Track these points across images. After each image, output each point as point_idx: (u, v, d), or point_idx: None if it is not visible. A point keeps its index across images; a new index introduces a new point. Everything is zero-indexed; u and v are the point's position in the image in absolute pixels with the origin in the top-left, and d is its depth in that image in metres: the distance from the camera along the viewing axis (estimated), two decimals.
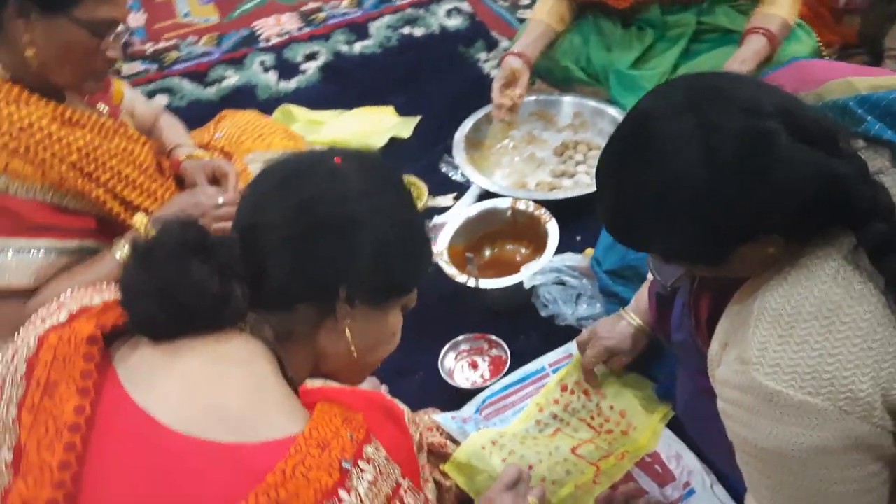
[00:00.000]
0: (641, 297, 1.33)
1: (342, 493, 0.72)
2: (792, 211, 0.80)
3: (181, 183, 1.48)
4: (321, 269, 0.82)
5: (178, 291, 0.78)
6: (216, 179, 1.46)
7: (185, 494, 0.71)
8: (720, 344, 0.89)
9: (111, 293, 0.87)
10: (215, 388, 0.77)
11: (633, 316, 1.34)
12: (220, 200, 1.37)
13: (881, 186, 0.81)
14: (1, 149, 1.20)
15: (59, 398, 0.75)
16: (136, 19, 3.08)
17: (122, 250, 1.27)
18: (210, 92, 2.56)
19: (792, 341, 0.80)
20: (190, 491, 0.71)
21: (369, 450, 0.78)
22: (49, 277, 1.24)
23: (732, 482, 1.23)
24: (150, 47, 2.88)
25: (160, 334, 0.79)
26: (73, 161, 1.26)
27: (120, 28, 1.23)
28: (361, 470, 0.75)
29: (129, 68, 2.76)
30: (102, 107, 1.45)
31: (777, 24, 1.77)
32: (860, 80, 0.95)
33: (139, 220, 1.30)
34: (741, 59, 1.75)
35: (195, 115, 2.12)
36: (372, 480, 0.75)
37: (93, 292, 0.88)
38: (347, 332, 0.84)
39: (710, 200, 0.81)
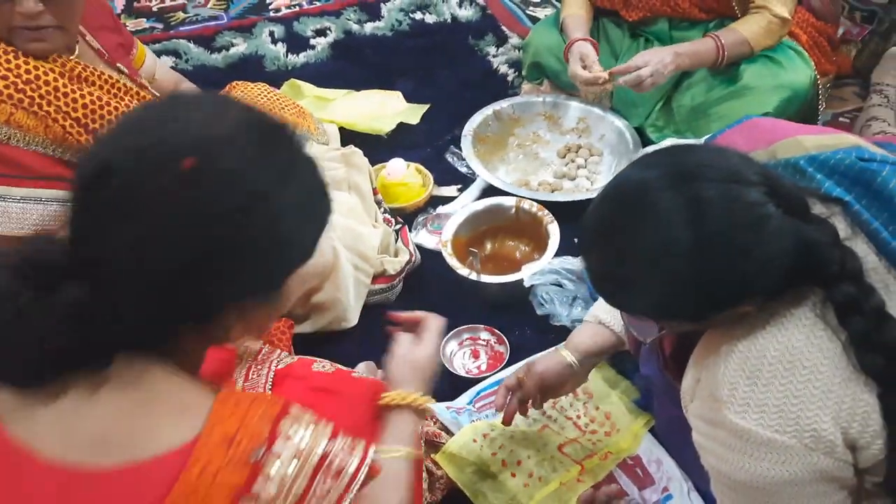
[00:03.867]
0: (576, 334, 1.32)
1: (258, 485, 0.68)
2: (774, 279, 0.85)
3: None
4: (193, 300, 0.71)
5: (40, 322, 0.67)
6: None
7: None
8: (693, 379, 0.94)
9: None
10: (92, 414, 0.70)
11: (564, 351, 1.30)
12: None
13: (850, 251, 0.87)
14: (6, 99, 1.22)
15: None
16: None
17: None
18: (217, 58, 2.54)
19: (759, 383, 0.86)
20: None
21: (286, 424, 0.71)
22: (52, 228, 1.26)
23: (710, 497, 1.30)
24: (155, 4, 2.85)
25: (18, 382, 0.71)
26: (78, 117, 1.28)
27: None
28: (278, 454, 0.69)
29: (133, 24, 2.74)
30: (122, 66, 1.47)
31: (733, 38, 1.81)
32: (807, 139, 1.00)
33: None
34: (678, 51, 1.80)
35: (201, 80, 2.11)
36: (294, 454, 0.70)
37: None
38: (236, 325, 0.76)
39: (700, 272, 0.83)
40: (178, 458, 0.67)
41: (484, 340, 1.62)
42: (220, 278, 0.70)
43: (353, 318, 1.62)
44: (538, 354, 1.39)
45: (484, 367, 1.58)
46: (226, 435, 0.69)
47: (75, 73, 1.31)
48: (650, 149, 1.55)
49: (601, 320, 1.29)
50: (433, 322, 1.15)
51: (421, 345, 1.12)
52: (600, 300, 1.32)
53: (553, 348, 1.34)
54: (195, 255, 0.68)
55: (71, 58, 1.32)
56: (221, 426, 0.69)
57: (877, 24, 2.23)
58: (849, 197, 0.92)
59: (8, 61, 1.25)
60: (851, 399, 0.85)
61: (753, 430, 0.86)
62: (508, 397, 1.32)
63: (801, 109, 1.87)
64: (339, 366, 1.29)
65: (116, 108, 1.35)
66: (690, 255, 0.83)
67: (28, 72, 1.25)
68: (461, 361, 1.59)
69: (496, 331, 1.61)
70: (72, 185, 0.71)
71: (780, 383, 0.86)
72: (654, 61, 1.77)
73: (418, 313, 1.17)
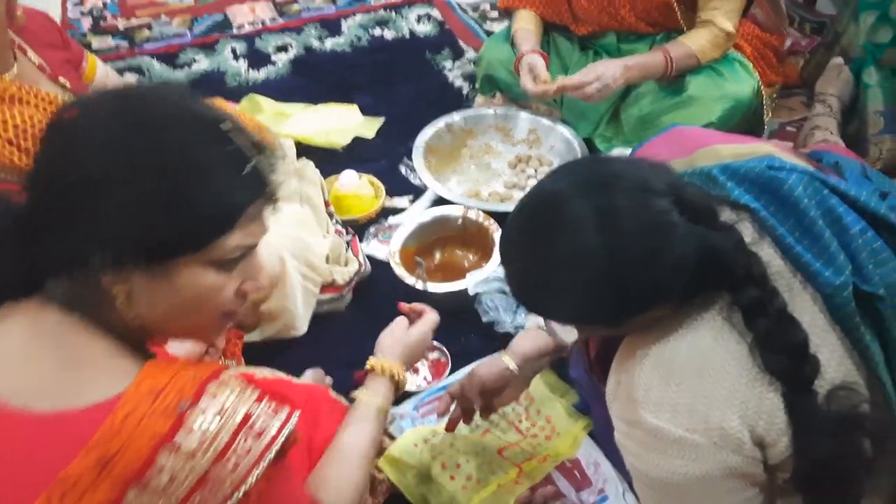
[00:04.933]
0: (516, 340, 1.35)
1: (180, 435, 0.70)
2: (683, 284, 0.87)
3: None
4: (59, 237, 0.75)
5: None
6: None
7: (9, 468, 0.69)
8: (615, 381, 0.97)
9: None
10: (31, 362, 0.75)
11: (506, 357, 1.32)
12: None
13: (754, 256, 0.90)
14: None
15: None
16: None
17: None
18: (179, 75, 2.57)
19: (672, 384, 0.89)
20: (13, 461, 0.70)
21: (214, 385, 0.74)
22: None
23: None
24: (122, 23, 2.88)
25: None
26: (10, 137, 1.28)
27: None
28: (203, 409, 0.71)
29: (99, 42, 2.77)
30: (64, 81, 1.48)
31: (681, 51, 1.86)
32: (725, 148, 1.05)
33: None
34: (627, 64, 1.84)
35: None
36: (218, 410, 0.72)
37: None
38: (125, 297, 0.77)
39: (611, 278, 0.86)
40: (106, 406, 0.70)
41: (424, 355, 1.60)
42: (74, 219, 0.74)
43: (301, 327, 1.64)
44: (480, 360, 1.41)
45: (430, 378, 1.59)
46: (154, 388, 0.71)
47: (8, 95, 1.32)
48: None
49: (540, 325, 1.31)
50: (430, 315, 1.30)
51: (413, 329, 1.26)
52: None
53: (495, 354, 1.36)
54: (58, 190, 0.74)
55: (5, 77, 1.33)
56: (150, 380, 0.72)
57: (823, 36, 2.29)
58: (756, 204, 0.95)
59: None
60: (757, 398, 0.87)
61: (666, 428, 0.88)
62: (452, 405, 1.34)
63: (746, 119, 1.91)
64: (281, 374, 1.31)
65: None
66: (602, 262, 0.85)
67: None
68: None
69: (435, 344, 1.61)
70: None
71: (690, 384, 0.88)
72: (606, 76, 1.81)
73: (418, 305, 1.33)
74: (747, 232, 0.93)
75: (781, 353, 0.86)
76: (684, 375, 0.89)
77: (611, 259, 0.85)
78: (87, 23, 2.90)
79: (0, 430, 0.71)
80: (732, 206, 0.95)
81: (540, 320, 1.31)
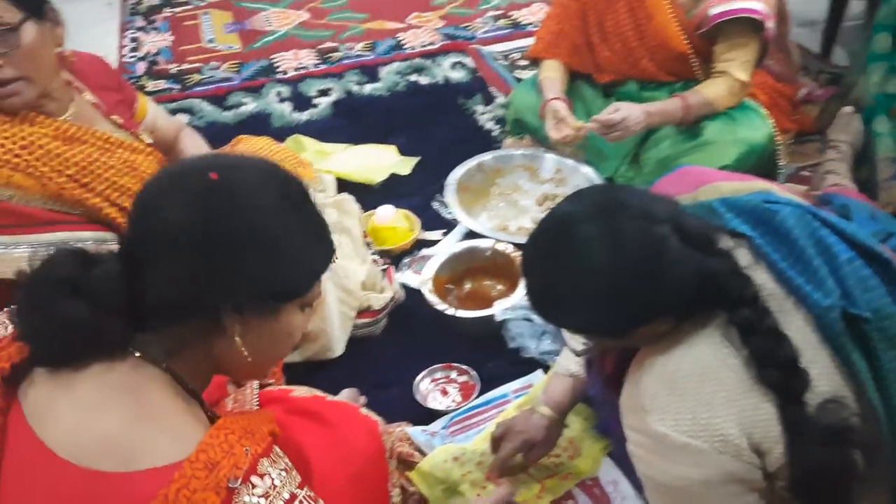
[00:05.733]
0: (550, 389, 1.41)
1: None
2: (680, 301, 0.98)
3: None
4: (202, 286, 0.82)
5: (49, 327, 0.80)
6: None
7: None
8: (627, 394, 1.06)
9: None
10: (103, 419, 0.79)
11: (544, 408, 1.39)
12: None
13: (748, 279, 0.99)
14: (3, 164, 1.34)
15: None
16: (164, 40, 3.28)
17: None
18: (228, 115, 2.71)
19: (675, 393, 0.98)
20: None
21: (265, 463, 0.80)
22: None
23: None
24: (174, 67, 3.06)
25: (51, 364, 0.83)
26: (71, 174, 1.39)
27: None
28: (253, 485, 0.77)
29: (153, 85, 2.94)
30: (116, 118, 1.58)
31: (698, 99, 1.98)
32: (725, 185, 1.16)
33: None
34: (648, 110, 1.96)
35: (212, 136, 2.21)
36: (263, 494, 0.78)
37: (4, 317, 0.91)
38: (238, 339, 0.86)
39: (615, 292, 0.97)
40: (165, 474, 0.75)
41: (453, 378, 1.71)
42: (222, 271, 0.82)
43: (338, 349, 1.74)
44: (511, 417, 1.45)
45: (459, 400, 1.67)
46: (210, 461, 0.76)
47: (68, 134, 1.42)
48: None
49: (572, 372, 1.40)
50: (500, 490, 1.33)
51: None
52: (565, 351, 1.44)
53: (528, 408, 1.44)
54: (204, 245, 0.81)
55: (65, 118, 1.44)
56: (207, 453, 0.77)
57: (838, 87, 2.39)
58: (752, 232, 1.06)
59: (5, 130, 1.37)
60: (753, 408, 0.96)
61: (671, 435, 0.96)
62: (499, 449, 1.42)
63: (760, 163, 2.00)
64: (318, 391, 1.42)
65: (106, 163, 1.46)
66: (605, 278, 0.96)
67: (24, 138, 1.36)
68: (435, 401, 1.67)
69: (462, 366, 1.70)
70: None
71: (692, 393, 0.97)
72: (629, 117, 1.93)
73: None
74: (744, 258, 1.03)
75: (773, 367, 0.95)
76: (687, 385, 0.98)
77: (614, 276, 0.96)
78: (141, 67, 3.08)
79: (59, 484, 0.76)
80: (731, 235, 1.05)
81: (572, 366, 1.40)
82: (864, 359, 0.99)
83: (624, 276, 0.96)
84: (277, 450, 0.84)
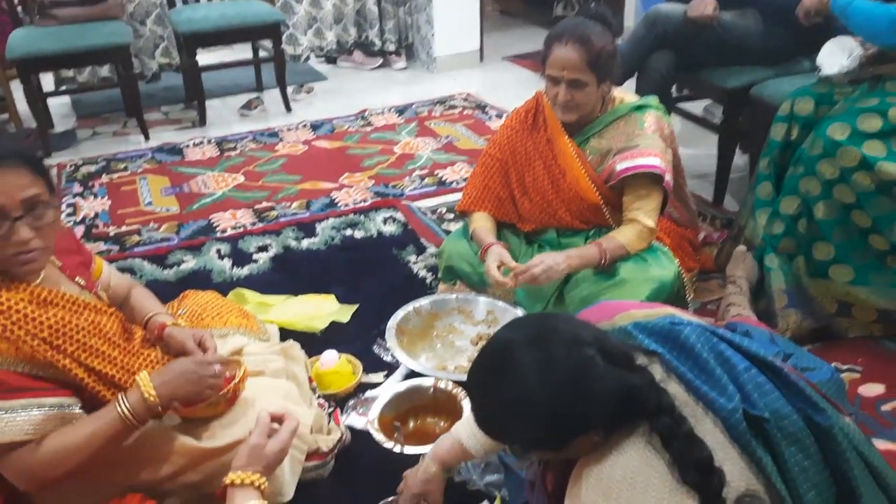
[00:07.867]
0: (438, 448, 1.59)
1: None
2: (607, 413, 1.12)
3: (153, 345, 1.70)
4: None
5: None
6: (199, 347, 1.66)
7: None
8: None
9: None
10: None
11: (429, 462, 1.57)
12: (217, 369, 1.59)
13: (664, 391, 1.15)
14: None
15: None
16: (102, 204, 3.38)
17: (121, 405, 1.44)
18: (168, 273, 2.78)
19: (611, 498, 1.10)
20: None
21: None
22: (45, 430, 1.41)
23: None
24: (112, 230, 3.13)
25: None
26: (44, 337, 1.43)
27: (15, 213, 1.34)
28: None
29: (92, 247, 2.98)
30: (80, 280, 1.65)
31: (612, 244, 2.20)
32: (638, 312, 1.35)
33: (143, 379, 1.48)
34: (569, 255, 2.17)
35: (154, 293, 2.35)
36: None
37: None
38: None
39: (549, 410, 1.09)
40: None
41: None
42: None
43: (288, 493, 1.75)
44: (408, 471, 1.66)
45: None
46: None
47: (41, 298, 1.47)
48: None
49: (462, 443, 1.54)
50: (289, 423, 1.39)
51: (272, 440, 1.35)
52: (467, 418, 1.59)
53: (420, 463, 1.63)
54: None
55: (36, 283, 1.49)
56: None
57: (730, 229, 2.69)
58: (662, 350, 1.22)
59: None
60: None
61: None
62: None
63: (670, 299, 2.20)
64: None
65: (77, 325, 1.50)
66: (544, 398, 1.10)
67: (2, 304, 1.41)
68: None
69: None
70: None
71: (625, 498, 1.09)
72: (548, 262, 2.14)
73: (283, 413, 1.41)
74: (657, 372, 1.19)
75: (692, 469, 1.08)
76: (621, 491, 1.09)
77: (549, 397, 1.09)
78: (79, 230, 3.15)
79: None
80: (644, 353, 1.22)
81: (464, 437, 1.54)
82: (769, 454, 1.13)
83: (557, 396, 1.10)
84: None
